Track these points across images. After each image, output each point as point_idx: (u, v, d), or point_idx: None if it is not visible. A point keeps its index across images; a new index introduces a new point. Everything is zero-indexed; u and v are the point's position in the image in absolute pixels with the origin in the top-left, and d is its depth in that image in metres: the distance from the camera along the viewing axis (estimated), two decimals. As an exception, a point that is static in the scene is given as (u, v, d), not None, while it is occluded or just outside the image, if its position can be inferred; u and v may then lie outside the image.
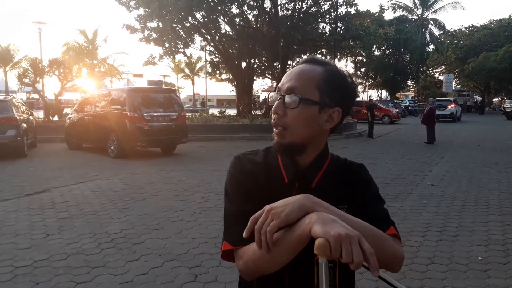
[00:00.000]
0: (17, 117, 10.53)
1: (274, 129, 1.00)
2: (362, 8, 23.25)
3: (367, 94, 64.85)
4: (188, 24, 19.24)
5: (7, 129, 10.17)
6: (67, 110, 19.11)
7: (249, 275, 0.93)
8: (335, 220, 0.79)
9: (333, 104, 0.99)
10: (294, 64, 31.96)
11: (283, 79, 1.01)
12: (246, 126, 16.52)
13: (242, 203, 0.98)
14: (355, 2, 19.78)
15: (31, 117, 12.89)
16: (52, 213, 5.45)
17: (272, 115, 1.00)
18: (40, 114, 20.42)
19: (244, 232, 0.86)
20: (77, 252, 4.03)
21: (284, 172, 1.02)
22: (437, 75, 58.89)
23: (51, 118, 18.05)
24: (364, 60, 45.59)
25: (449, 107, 27.44)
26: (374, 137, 16.20)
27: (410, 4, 46.90)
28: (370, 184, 1.07)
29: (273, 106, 0.99)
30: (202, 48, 23.39)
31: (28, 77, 18.10)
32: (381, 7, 23.94)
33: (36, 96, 34.14)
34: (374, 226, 0.91)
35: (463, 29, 53.26)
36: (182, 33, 19.33)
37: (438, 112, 26.15)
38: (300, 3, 20.04)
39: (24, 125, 10.96)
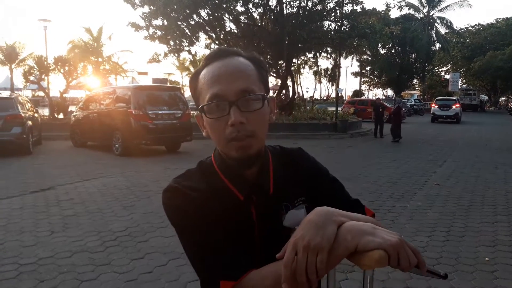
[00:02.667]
0: (23, 115, 10.58)
1: (235, 143, 0.84)
2: (368, 6, 23.19)
3: (372, 92, 64.75)
4: (193, 22, 19.22)
5: (13, 127, 10.22)
6: (72, 108, 19.18)
7: None
8: (373, 227, 0.72)
9: (267, 93, 0.90)
10: (298, 62, 31.97)
11: (216, 84, 0.84)
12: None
13: (211, 232, 0.84)
14: (360, 0, 19.66)
15: (36, 115, 12.95)
16: (57, 210, 5.47)
17: (231, 127, 0.83)
18: (45, 111, 20.52)
19: (284, 285, 0.70)
20: (82, 250, 4.03)
21: (236, 190, 0.90)
22: (443, 74, 58.60)
23: (56, 115, 18.14)
24: (370, 58, 45.39)
25: (454, 107, 25.93)
26: (383, 137, 16.07)
27: (417, 3, 46.71)
28: (318, 167, 1.01)
29: (232, 118, 0.82)
30: (207, 46, 23.35)
31: (33, 75, 18.22)
32: (387, 5, 23.77)
33: (41, 93, 34.31)
34: (353, 212, 0.80)
35: (470, 28, 52.95)
36: (187, 31, 19.31)
37: (442, 113, 25.87)
38: (305, 1, 19.95)
39: (30, 123, 11.01)
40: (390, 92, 56.04)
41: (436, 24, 47.44)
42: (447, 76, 53.43)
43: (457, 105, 26.34)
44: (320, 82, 56.52)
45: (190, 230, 0.86)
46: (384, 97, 48.25)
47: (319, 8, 20.28)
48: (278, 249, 0.76)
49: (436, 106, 26.41)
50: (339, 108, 20.42)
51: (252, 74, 0.87)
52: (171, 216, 0.89)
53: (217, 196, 0.89)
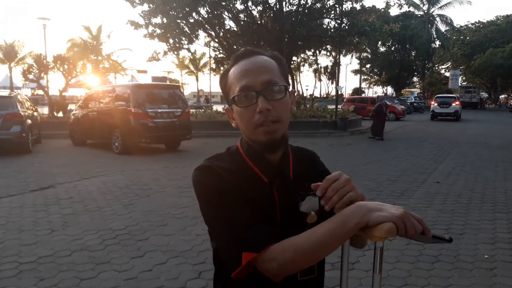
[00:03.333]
0: (22, 113, 10.57)
1: (263, 128, 0.95)
2: (367, 3, 23.13)
3: (372, 90, 64.74)
4: (192, 20, 19.19)
5: (12, 125, 10.21)
6: (71, 106, 19.18)
7: (282, 276, 0.88)
8: (380, 204, 0.84)
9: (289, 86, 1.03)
10: (298, 60, 31.95)
11: (245, 78, 0.96)
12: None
13: (239, 208, 0.92)
14: (360, -3, 19.64)
15: (35, 113, 12.94)
16: (57, 209, 5.47)
17: (258, 114, 0.94)
18: (44, 110, 20.50)
19: (319, 190, 0.88)
20: (82, 249, 4.03)
21: (261, 172, 1.00)
22: (443, 71, 58.56)
23: (55, 114, 18.13)
24: (370, 56, 45.34)
25: (454, 104, 25.74)
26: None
27: (417, 0, 46.62)
28: (328, 171, 1.12)
29: (260, 105, 0.93)
30: (206, 44, 23.37)
31: (32, 73, 18.19)
32: (387, 3, 23.72)
33: (40, 92, 34.29)
34: None
35: (470, 25, 52.89)
36: (186, 29, 19.28)
37: (441, 110, 25.77)
38: (305, -2, 19.93)
39: (29, 121, 11.00)
40: (390, 90, 56.00)
41: (436, 22, 47.43)
42: (447, 74, 53.38)
43: (457, 103, 26.19)
44: (320, 80, 56.60)
45: (220, 205, 0.93)
46: (384, 95, 48.24)
47: (318, 6, 20.27)
48: (295, 231, 0.88)
49: (436, 104, 26.32)
50: (339, 106, 20.42)
51: (275, 69, 1.00)
52: (202, 192, 0.98)
53: (244, 177, 0.98)
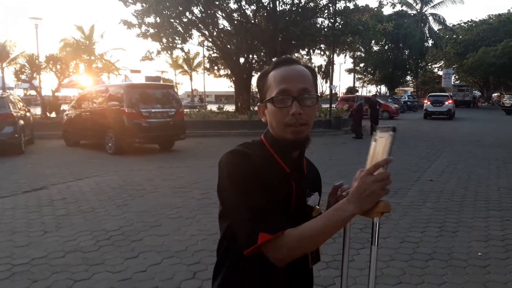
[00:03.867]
0: (14, 114, 10.49)
1: (293, 128, 1.07)
2: (360, 3, 23.22)
3: (366, 89, 64.94)
4: (185, 19, 19.13)
5: (4, 126, 10.13)
6: (64, 107, 19.05)
7: (288, 260, 1.02)
8: (358, 187, 1.00)
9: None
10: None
11: (284, 82, 1.08)
12: (245, 122, 16.46)
13: (264, 193, 1.03)
14: (353, -3, 19.69)
15: (28, 114, 12.84)
16: (50, 210, 5.43)
17: (291, 116, 1.06)
18: (37, 110, 20.34)
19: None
20: (75, 250, 4.00)
21: (284, 163, 1.12)
22: (436, 70, 58.87)
23: (48, 114, 17.99)
24: (363, 55, 45.47)
25: (446, 103, 25.70)
26: (362, 137, 14.98)
27: (410, -1, 46.79)
28: (321, 179, 1.33)
29: (293, 109, 1.05)
30: (200, 44, 23.33)
31: (25, 74, 18.04)
32: (380, 2, 23.84)
33: (33, 92, 34.03)
34: None
35: (463, 24, 53.21)
36: (180, 28, 19.22)
37: (434, 109, 25.86)
38: (298, -3, 19.94)
39: (21, 122, 10.91)
40: (384, 88, 56.22)
41: (428, 21, 47.63)
42: (440, 73, 53.66)
43: (450, 101, 26.21)
44: (314, 79, 56.55)
45: (249, 189, 1.03)
46: (378, 94, 48.38)
47: (312, 5, 20.30)
48: (303, 220, 1.03)
49: (429, 103, 26.42)
50: (333, 105, 20.46)
51: (310, 79, 1.12)
52: (237, 175, 1.06)
53: (270, 165, 1.11)
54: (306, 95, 1.08)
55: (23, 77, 18.17)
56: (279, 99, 1.08)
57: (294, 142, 1.09)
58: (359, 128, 14.71)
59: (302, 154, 1.17)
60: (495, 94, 59.56)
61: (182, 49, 20.76)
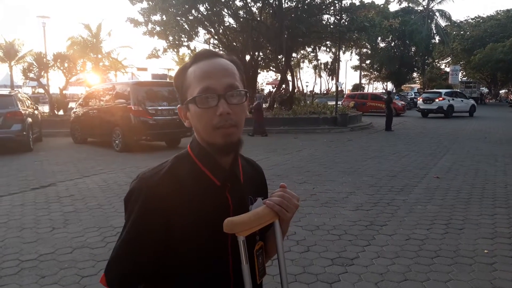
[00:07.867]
0: (22, 112, 10.57)
1: (222, 130, 0.94)
2: (366, -1, 23.01)
3: (372, 86, 64.62)
4: (191, 17, 19.14)
5: (13, 124, 10.22)
6: (72, 104, 19.17)
7: None
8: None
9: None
10: (297, 56, 31.86)
11: (207, 79, 0.94)
12: (250, 119, 16.45)
13: (150, 236, 1.00)
14: (359, -6, 19.58)
15: (36, 112, 12.94)
16: (58, 207, 5.49)
17: (218, 117, 0.93)
18: (45, 108, 20.50)
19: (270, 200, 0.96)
20: (83, 246, 4.05)
21: (213, 176, 0.98)
22: (443, 66, 58.40)
23: (56, 112, 18.13)
24: (369, 52, 45.24)
25: (437, 100, 24.25)
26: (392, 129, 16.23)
27: (416, -5, 46.44)
28: (266, 183, 1.19)
29: (221, 108, 0.92)
30: (206, 41, 23.29)
31: (33, 72, 18.17)
32: (386, -2, 23.68)
33: (41, 90, 34.26)
34: None
35: (470, 20, 52.68)
36: (186, 26, 19.24)
37: (424, 106, 25.12)
38: (304, -6, 19.85)
39: (30, 120, 11.01)
40: (390, 85, 55.88)
41: (435, 17, 47.26)
42: (447, 69, 53.21)
43: (441, 99, 24.44)
44: (320, 76, 56.41)
45: (138, 226, 1.02)
46: (384, 91, 48.17)
47: (318, 2, 20.20)
48: None
49: (421, 100, 25.54)
50: (339, 102, 20.40)
51: (236, 73, 0.99)
52: (130, 208, 1.04)
53: (196, 182, 0.97)
54: (233, 92, 0.95)
55: (31, 75, 18.32)
56: (202, 99, 0.93)
57: (225, 146, 0.95)
58: (262, 125, 14.19)
59: (235, 160, 1.02)
60: (503, 91, 58.95)
61: (188, 46, 20.79)
